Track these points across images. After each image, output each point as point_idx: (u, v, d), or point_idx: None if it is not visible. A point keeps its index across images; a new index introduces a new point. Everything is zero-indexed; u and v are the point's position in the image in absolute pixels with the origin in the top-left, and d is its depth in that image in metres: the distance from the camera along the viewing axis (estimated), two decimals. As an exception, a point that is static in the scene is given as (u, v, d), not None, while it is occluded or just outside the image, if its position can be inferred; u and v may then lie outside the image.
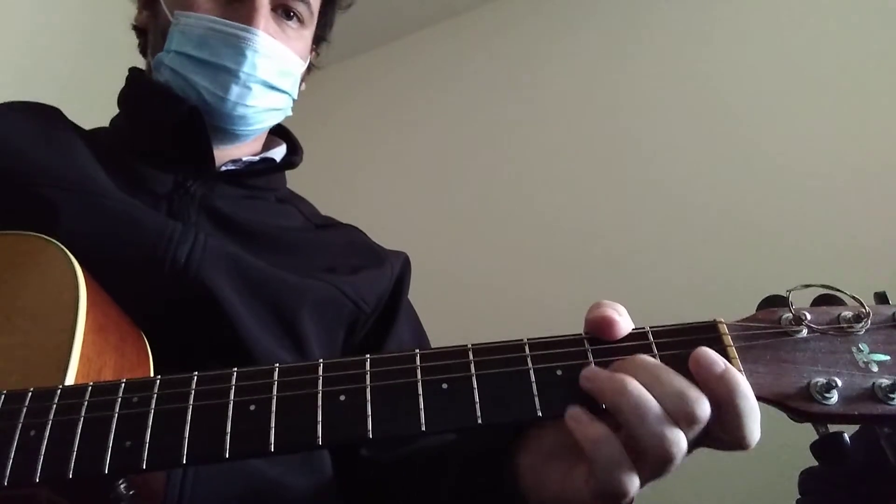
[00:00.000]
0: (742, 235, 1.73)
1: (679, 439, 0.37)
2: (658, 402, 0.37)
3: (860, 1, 1.81)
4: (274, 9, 0.73)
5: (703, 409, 0.37)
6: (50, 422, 0.40)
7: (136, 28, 0.81)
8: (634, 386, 0.38)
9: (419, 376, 0.40)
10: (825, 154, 1.71)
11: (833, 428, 0.41)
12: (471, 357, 0.41)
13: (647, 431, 0.37)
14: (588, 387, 0.40)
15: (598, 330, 0.42)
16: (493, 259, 2.07)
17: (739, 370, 0.39)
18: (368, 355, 0.42)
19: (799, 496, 1.14)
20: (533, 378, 0.40)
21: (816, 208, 1.67)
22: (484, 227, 2.15)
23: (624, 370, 0.39)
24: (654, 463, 0.37)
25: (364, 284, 0.73)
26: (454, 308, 1.84)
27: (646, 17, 2.14)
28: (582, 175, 2.05)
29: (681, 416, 0.37)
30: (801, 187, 1.71)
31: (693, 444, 0.39)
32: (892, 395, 0.39)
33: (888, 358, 0.41)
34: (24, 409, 0.41)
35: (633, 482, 0.37)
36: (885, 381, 0.40)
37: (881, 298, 0.45)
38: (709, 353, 0.39)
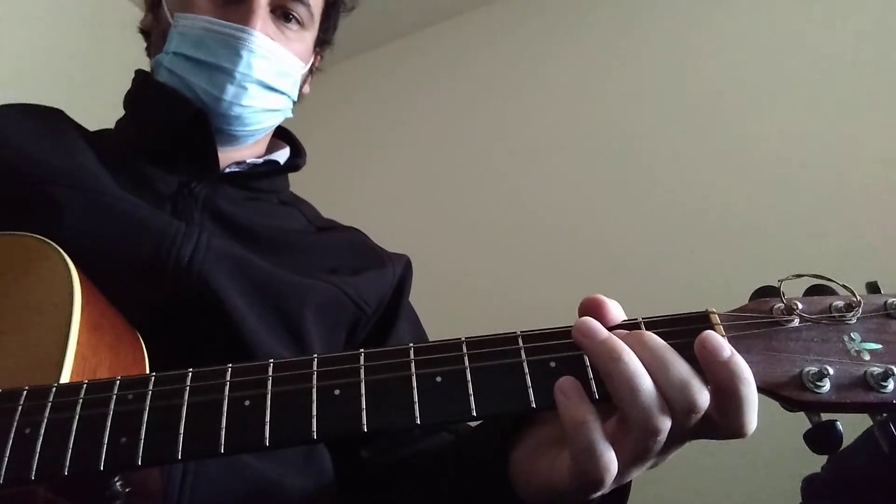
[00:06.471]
0: (735, 232, 1.73)
1: (665, 419, 0.37)
2: (660, 387, 0.37)
3: (856, 3, 1.81)
4: (273, 10, 0.74)
5: (705, 399, 0.37)
6: (45, 420, 0.40)
7: (142, 31, 0.82)
8: (631, 357, 0.38)
9: (413, 370, 0.41)
10: (818, 150, 1.72)
11: (825, 416, 0.41)
12: (464, 350, 0.41)
13: (638, 405, 0.37)
14: (581, 341, 0.40)
15: (588, 313, 0.42)
16: (492, 260, 2.07)
17: None
18: (362, 350, 0.42)
19: (801, 501, 1.14)
20: (527, 370, 0.40)
21: (809, 204, 1.68)
22: (483, 227, 2.15)
23: (630, 344, 0.39)
24: (637, 440, 0.37)
25: (366, 286, 0.73)
26: (454, 309, 1.84)
27: (644, 18, 2.15)
28: (579, 175, 2.06)
29: (683, 404, 0.37)
30: (793, 183, 1.71)
31: (690, 433, 0.39)
32: (883, 383, 0.39)
33: (880, 346, 0.41)
34: (20, 408, 0.41)
35: (612, 467, 0.37)
36: (876, 369, 0.40)
37: (872, 288, 0.46)
38: (716, 337, 0.38)
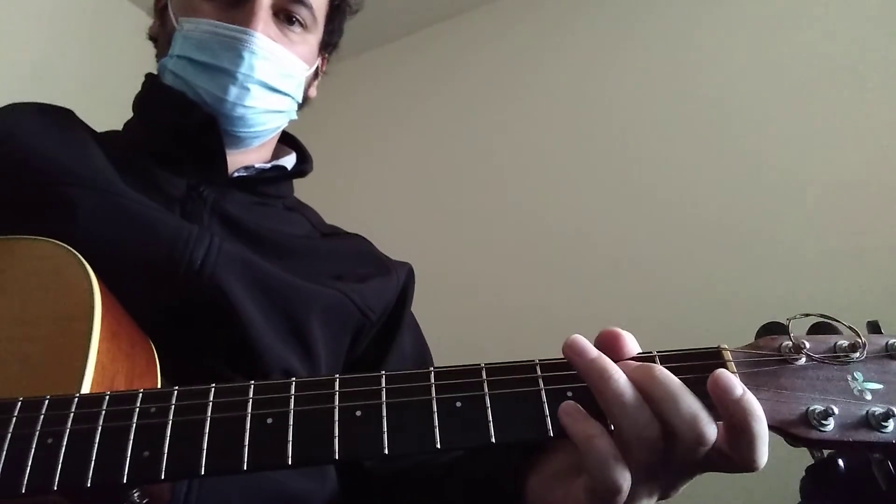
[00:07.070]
0: (736, 233, 1.72)
1: (655, 430, 0.38)
2: (670, 419, 0.39)
3: (855, 4, 1.82)
4: (275, 13, 0.75)
5: (712, 432, 0.39)
6: (68, 430, 0.40)
7: (151, 38, 0.83)
8: (620, 375, 0.40)
9: (434, 394, 0.41)
10: (822, 151, 1.71)
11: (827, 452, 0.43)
12: (484, 377, 0.42)
13: (629, 420, 0.39)
14: (573, 359, 0.41)
15: (604, 344, 0.43)
16: (492, 263, 2.06)
17: None
18: (384, 371, 0.43)
19: (801, 501, 1.17)
20: (545, 399, 0.41)
21: (812, 206, 1.66)
22: (483, 230, 2.13)
23: (641, 375, 0.40)
24: (635, 454, 0.39)
25: (371, 293, 0.74)
26: (455, 314, 1.84)
27: (645, 18, 2.14)
28: (584, 181, 2.03)
29: (691, 436, 0.38)
30: (795, 183, 1.70)
31: (701, 466, 0.40)
32: (884, 423, 0.41)
33: (881, 386, 0.43)
34: (42, 417, 0.41)
35: (625, 478, 0.38)
36: (878, 410, 0.41)
37: (874, 328, 0.47)
38: (728, 375, 0.40)
